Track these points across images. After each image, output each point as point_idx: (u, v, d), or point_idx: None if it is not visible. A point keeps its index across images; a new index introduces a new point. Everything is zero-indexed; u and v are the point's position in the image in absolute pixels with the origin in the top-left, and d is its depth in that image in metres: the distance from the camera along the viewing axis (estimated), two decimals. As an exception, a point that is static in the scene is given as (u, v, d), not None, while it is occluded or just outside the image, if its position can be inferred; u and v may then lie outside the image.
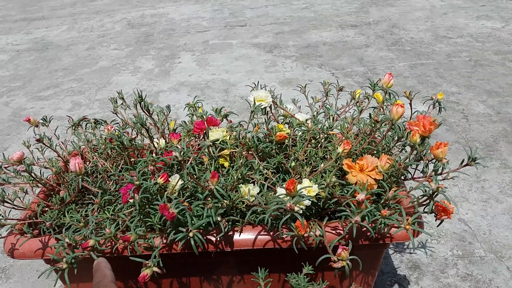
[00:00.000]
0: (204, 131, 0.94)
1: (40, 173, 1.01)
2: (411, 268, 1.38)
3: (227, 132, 0.99)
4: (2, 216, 0.91)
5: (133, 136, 1.09)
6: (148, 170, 0.95)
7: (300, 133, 1.08)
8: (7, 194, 0.95)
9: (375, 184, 0.85)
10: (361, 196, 0.78)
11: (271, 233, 0.87)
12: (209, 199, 0.84)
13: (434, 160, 0.86)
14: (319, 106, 1.20)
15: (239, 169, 0.92)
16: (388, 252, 1.44)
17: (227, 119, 1.09)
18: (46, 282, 1.42)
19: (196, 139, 1.08)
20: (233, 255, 0.91)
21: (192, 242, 0.79)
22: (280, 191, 0.84)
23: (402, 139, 0.99)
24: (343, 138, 1.06)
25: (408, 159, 0.89)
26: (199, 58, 3.33)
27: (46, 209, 0.98)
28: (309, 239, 0.84)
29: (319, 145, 1.07)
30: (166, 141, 1.08)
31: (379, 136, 1.06)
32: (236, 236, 0.87)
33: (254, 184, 0.93)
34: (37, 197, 1.00)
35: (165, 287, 0.99)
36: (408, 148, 0.93)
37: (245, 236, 0.87)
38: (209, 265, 0.95)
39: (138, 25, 4.31)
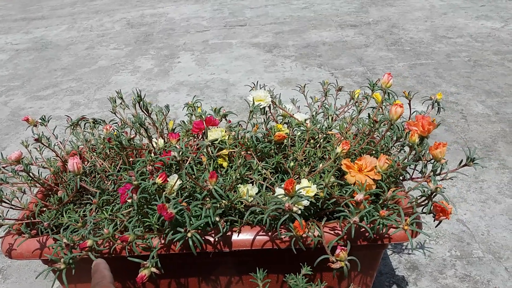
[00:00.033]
0: (203, 131, 0.94)
1: (38, 173, 1.01)
2: (409, 269, 1.38)
3: (226, 132, 0.99)
4: (0, 216, 0.91)
5: (132, 136, 1.09)
6: (146, 170, 0.94)
7: (299, 133, 1.08)
8: (5, 194, 0.95)
9: (374, 185, 0.85)
10: (359, 197, 0.78)
11: (270, 233, 0.87)
12: (207, 199, 0.84)
13: (432, 161, 0.86)
14: (318, 106, 1.20)
15: (237, 169, 0.92)
16: (386, 252, 1.44)
17: (226, 119, 1.09)
18: (44, 283, 1.42)
19: (195, 139, 1.08)
20: (232, 256, 0.91)
21: (191, 243, 0.79)
22: (279, 191, 0.84)
23: (401, 139, 0.99)
24: (342, 138, 1.06)
25: (406, 159, 0.89)
26: (198, 57, 3.33)
27: (44, 209, 0.98)
28: (307, 239, 0.84)
29: (318, 145, 1.07)
30: (164, 141, 1.08)
31: (378, 136, 1.06)
32: (235, 237, 0.87)
33: (252, 184, 0.93)
34: (35, 197, 1.00)
35: (163, 287, 0.99)
36: (406, 148, 0.93)
37: (243, 237, 0.87)
38: (207, 265, 0.95)
39: (138, 25, 4.31)
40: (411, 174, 0.97)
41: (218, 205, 0.84)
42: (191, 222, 0.80)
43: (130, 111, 1.18)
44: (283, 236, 0.85)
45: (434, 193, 0.80)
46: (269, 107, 1.08)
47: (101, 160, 1.10)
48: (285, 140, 1.01)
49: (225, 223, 0.86)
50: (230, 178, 0.92)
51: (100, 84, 2.98)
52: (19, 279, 1.46)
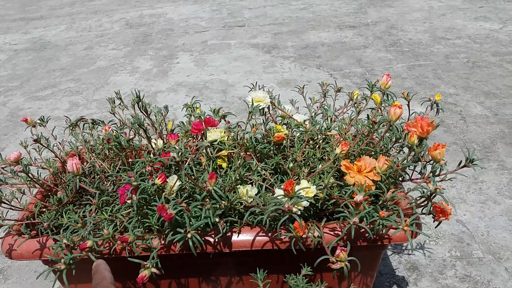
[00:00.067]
0: (202, 132, 0.94)
1: (38, 174, 1.01)
2: (409, 269, 1.38)
3: (225, 132, 0.99)
4: (0, 217, 0.91)
5: (131, 137, 1.08)
6: (146, 171, 0.94)
7: (298, 134, 1.08)
8: (5, 195, 0.95)
9: (373, 185, 0.85)
10: (359, 197, 0.78)
11: (270, 234, 0.87)
12: (207, 200, 0.84)
13: (432, 162, 0.86)
14: (317, 107, 1.20)
15: (237, 170, 0.92)
16: (386, 253, 1.44)
17: (225, 120, 1.09)
18: (44, 283, 1.42)
19: (194, 140, 1.08)
20: (232, 256, 0.91)
21: (191, 243, 0.79)
22: (278, 192, 0.84)
23: (400, 140, 0.99)
24: (341, 139, 1.06)
25: (406, 160, 0.89)
26: (197, 58, 3.33)
27: (44, 209, 0.98)
28: (307, 240, 0.84)
29: (317, 146, 1.07)
30: (164, 141, 1.08)
31: (377, 137, 1.06)
32: (235, 237, 0.87)
33: (252, 185, 0.93)
34: (34, 198, 1.00)
35: (163, 288, 0.99)
36: (406, 149, 0.93)
37: (243, 237, 0.87)
38: (207, 266, 0.95)
39: (137, 25, 4.31)
40: (410, 175, 0.98)
41: (218, 206, 0.84)
42: (191, 222, 0.80)
43: (129, 112, 1.17)
44: (283, 237, 0.85)
45: (433, 194, 0.80)
46: (268, 108, 1.08)
47: (100, 161, 1.10)
48: (284, 141, 1.01)
49: (225, 224, 0.86)
50: (229, 179, 0.92)
51: (99, 85, 2.98)
52: (20, 280, 1.46)
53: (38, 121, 1.13)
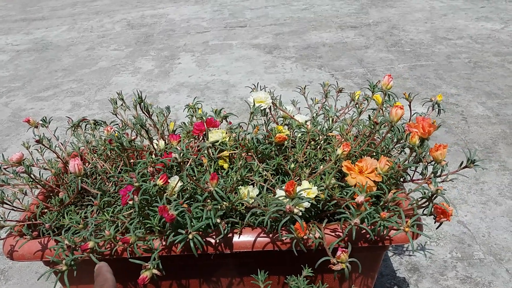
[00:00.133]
0: (204, 133, 0.94)
1: (40, 174, 1.01)
2: (410, 270, 1.38)
3: (226, 133, 0.99)
4: (1, 218, 0.91)
5: (133, 137, 1.09)
6: (147, 171, 0.95)
7: (299, 135, 1.08)
8: (6, 195, 0.95)
9: (374, 186, 0.85)
10: (360, 198, 0.78)
11: (271, 235, 0.87)
12: (208, 201, 0.84)
13: (433, 162, 0.86)
14: (319, 107, 1.20)
15: (238, 171, 0.92)
16: (387, 254, 1.44)
17: (226, 121, 1.09)
18: (45, 284, 1.42)
19: (196, 141, 1.08)
20: (233, 257, 0.91)
21: (192, 244, 0.79)
22: (280, 193, 0.84)
23: (401, 141, 0.99)
24: (343, 139, 1.06)
25: (407, 161, 0.89)
26: (199, 59, 3.33)
27: (45, 210, 0.98)
28: (308, 241, 0.84)
29: (318, 146, 1.07)
30: (165, 142, 1.08)
31: (378, 138, 1.06)
32: (236, 238, 0.87)
33: (253, 186, 0.93)
34: (36, 199, 1.00)
35: (164, 288, 0.99)
36: (407, 150, 0.93)
37: (244, 238, 0.87)
38: (208, 267, 0.95)
39: (138, 26, 4.31)
40: (411, 176, 0.98)
41: (219, 207, 0.84)
42: (192, 223, 0.80)
43: (131, 113, 1.18)
44: (284, 238, 0.85)
45: (434, 195, 0.80)
46: (270, 108, 1.08)
47: (102, 162, 1.10)
48: (286, 142, 1.02)
49: (226, 225, 0.86)
50: (231, 180, 0.92)
51: (101, 85, 2.99)
52: (21, 281, 1.46)
53: (40, 122, 1.13)
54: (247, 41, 3.62)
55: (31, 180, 0.99)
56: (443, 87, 2.59)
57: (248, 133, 1.00)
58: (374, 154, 1.00)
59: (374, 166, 0.86)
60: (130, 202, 0.82)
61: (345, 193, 0.90)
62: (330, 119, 1.05)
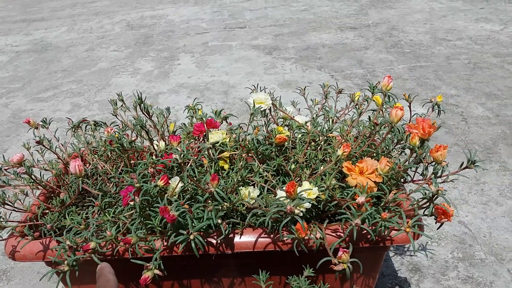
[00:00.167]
0: (204, 133, 0.94)
1: (40, 175, 1.01)
2: (411, 271, 1.38)
3: (226, 134, 0.99)
4: (3, 218, 0.91)
5: (133, 138, 1.09)
6: (148, 172, 0.95)
7: (299, 136, 1.08)
8: (8, 196, 0.95)
9: (375, 187, 0.85)
10: (361, 199, 0.78)
11: (272, 235, 0.87)
12: (209, 201, 0.84)
13: (433, 163, 0.86)
14: (319, 108, 1.21)
15: (239, 172, 0.93)
16: (388, 254, 1.44)
17: (226, 121, 1.09)
18: (47, 285, 1.42)
19: (196, 141, 1.08)
20: (234, 258, 0.91)
21: (193, 245, 0.79)
22: (280, 193, 0.84)
23: (401, 142, 1.00)
24: (343, 140, 1.06)
25: (407, 161, 0.90)
26: (198, 59, 3.33)
27: (47, 211, 0.98)
28: (309, 241, 0.84)
29: (318, 147, 1.07)
30: (166, 143, 1.08)
31: (378, 138, 1.06)
32: (237, 239, 0.87)
33: (254, 187, 0.93)
34: (37, 199, 1.00)
35: (165, 289, 0.99)
36: (407, 151, 0.93)
37: (245, 239, 0.88)
38: (210, 267, 0.95)
39: (138, 27, 4.32)
40: (412, 176, 0.98)
41: (220, 208, 0.85)
42: (193, 224, 0.80)
43: (131, 113, 1.18)
44: (285, 238, 0.85)
45: (435, 195, 0.80)
46: (270, 109, 1.08)
47: (102, 163, 1.10)
48: (286, 143, 1.02)
49: (227, 225, 0.86)
50: (231, 181, 0.92)
51: (101, 86, 2.99)
52: (23, 281, 1.46)
53: (41, 123, 1.13)
54: (246, 42, 3.63)
55: (32, 181, 0.99)
56: (443, 88, 2.59)
57: (249, 134, 1.00)
58: (375, 155, 1.01)
59: (374, 167, 0.86)
60: (131, 203, 0.82)
61: (345, 194, 0.90)
62: (330, 120, 1.06)
